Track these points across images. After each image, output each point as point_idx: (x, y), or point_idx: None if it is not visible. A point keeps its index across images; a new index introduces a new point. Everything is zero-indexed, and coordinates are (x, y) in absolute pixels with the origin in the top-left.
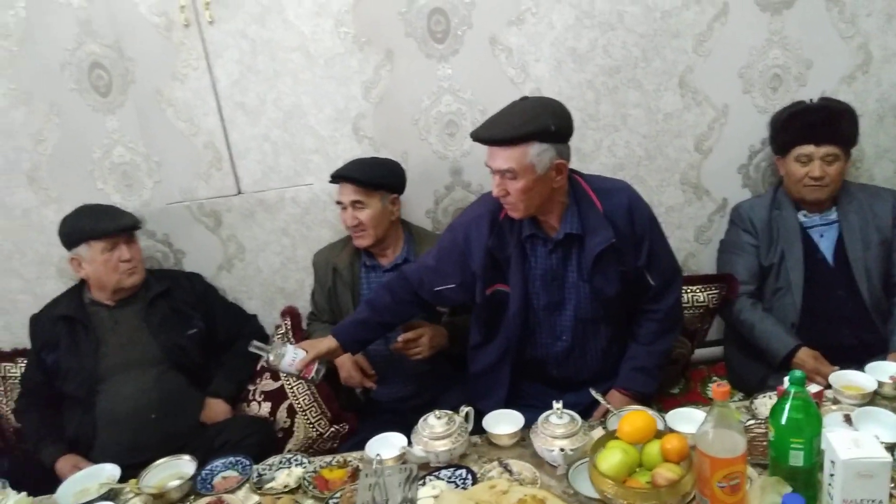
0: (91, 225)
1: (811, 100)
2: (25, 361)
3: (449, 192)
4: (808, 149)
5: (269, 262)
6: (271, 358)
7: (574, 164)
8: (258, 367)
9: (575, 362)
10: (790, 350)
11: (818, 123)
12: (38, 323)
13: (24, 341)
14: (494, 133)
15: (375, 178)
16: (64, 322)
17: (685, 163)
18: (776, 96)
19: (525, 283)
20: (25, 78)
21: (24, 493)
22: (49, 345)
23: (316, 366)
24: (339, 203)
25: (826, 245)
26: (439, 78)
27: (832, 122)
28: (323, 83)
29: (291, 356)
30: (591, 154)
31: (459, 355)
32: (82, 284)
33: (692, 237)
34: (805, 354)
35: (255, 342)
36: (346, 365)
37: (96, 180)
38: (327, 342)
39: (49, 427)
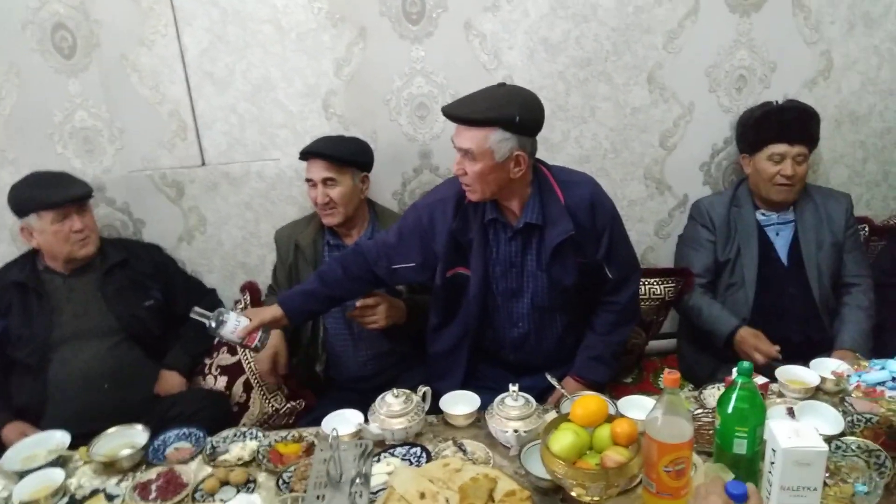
0: (40, 194)
1: (777, 101)
2: None
3: (417, 175)
4: (782, 147)
5: (230, 236)
6: (212, 324)
7: (541, 153)
8: (215, 342)
9: (531, 348)
10: (733, 328)
11: (792, 123)
12: None
13: None
14: (460, 111)
15: (347, 154)
16: (16, 288)
17: (650, 158)
18: (740, 97)
19: (485, 268)
20: None
21: None
22: (0, 311)
23: (259, 334)
24: (308, 181)
25: (781, 244)
26: (412, 59)
27: (804, 123)
28: (294, 57)
29: (234, 323)
30: (558, 144)
31: (419, 336)
32: (36, 251)
33: (652, 231)
34: (745, 332)
35: (197, 308)
36: (263, 357)
37: (56, 144)
38: (272, 310)
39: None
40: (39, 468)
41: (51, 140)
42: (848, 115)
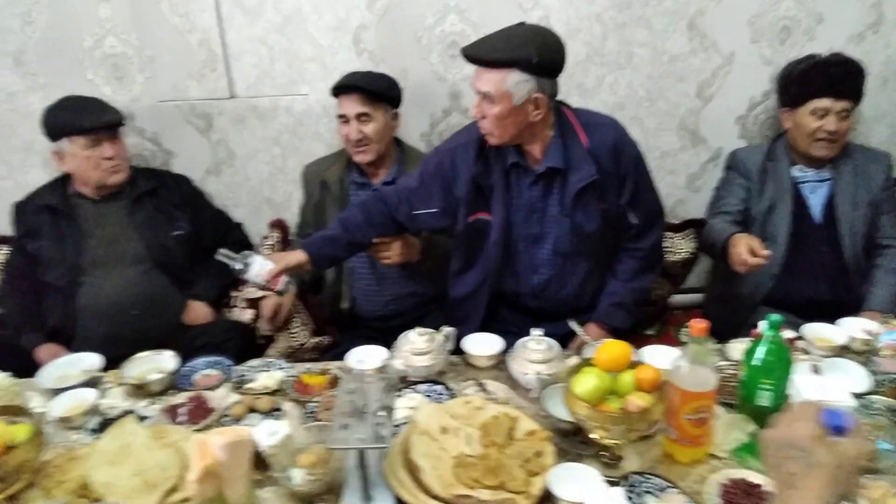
0: (73, 120)
1: (821, 54)
2: (9, 248)
3: (446, 117)
4: (826, 102)
5: (257, 171)
6: (238, 267)
7: (574, 98)
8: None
9: (552, 295)
10: (731, 233)
11: (839, 77)
12: (22, 211)
13: (7, 228)
14: (478, 52)
15: (382, 88)
16: (48, 212)
17: (685, 108)
18: (783, 48)
19: (507, 213)
20: None
21: (7, 374)
22: (31, 233)
23: (284, 278)
24: (341, 117)
25: (815, 201)
26: None
27: (851, 78)
28: None
29: (259, 266)
30: (592, 90)
31: (442, 281)
32: (67, 176)
33: (683, 184)
34: (738, 236)
35: (223, 250)
36: (268, 303)
37: (86, 70)
38: (296, 255)
39: (30, 314)
40: (73, 387)
41: (80, 65)
42: (895, 73)
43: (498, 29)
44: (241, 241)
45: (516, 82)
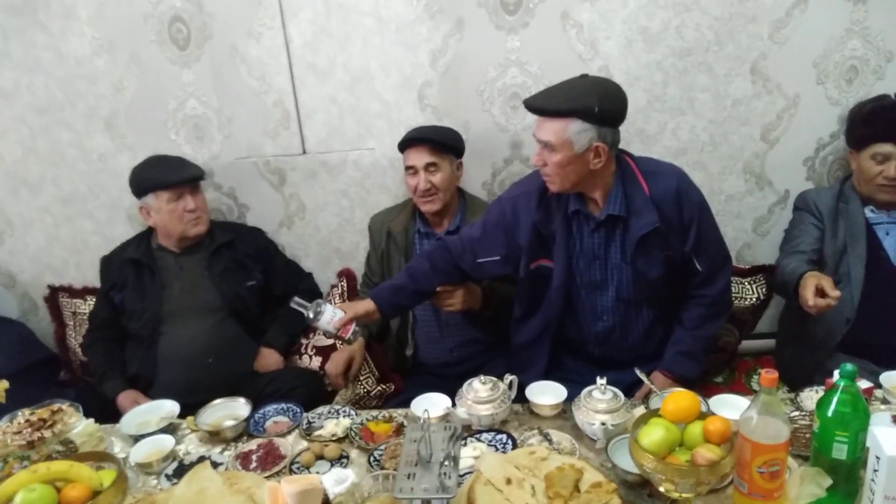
0: (158, 175)
1: (893, 95)
2: (94, 299)
3: (507, 166)
4: (886, 147)
5: (327, 222)
6: (310, 315)
7: (636, 145)
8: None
9: (616, 342)
10: (801, 274)
11: None
12: (109, 264)
13: (94, 280)
14: (540, 103)
15: (448, 140)
16: (132, 265)
17: (750, 151)
18: (851, 89)
19: (569, 260)
20: (110, 28)
21: (91, 420)
22: (117, 285)
23: (353, 327)
24: (409, 168)
25: (890, 243)
26: (507, 50)
27: None
28: (392, 49)
29: (330, 314)
30: (654, 136)
31: (504, 327)
32: (150, 230)
33: (750, 228)
34: (808, 276)
35: (297, 298)
36: (337, 356)
37: (169, 131)
38: (365, 304)
39: (113, 362)
40: (152, 434)
41: (165, 127)
42: None
43: (557, 80)
44: (311, 290)
45: (577, 131)
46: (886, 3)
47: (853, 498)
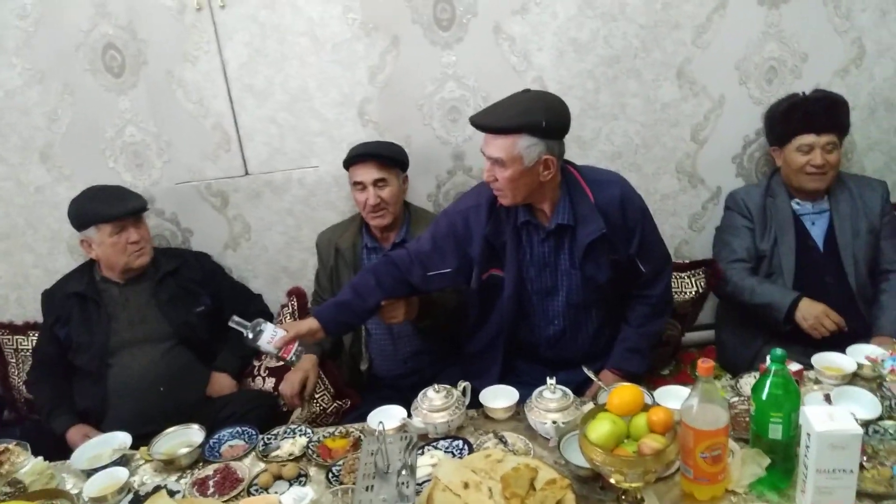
0: (99, 208)
1: (803, 92)
2: (37, 335)
3: (451, 177)
4: (810, 138)
5: (273, 242)
6: (249, 335)
7: (573, 151)
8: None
9: (566, 345)
10: (794, 299)
11: (819, 113)
12: (51, 298)
13: (36, 315)
14: (488, 120)
15: (394, 154)
16: (76, 298)
17: (681, 152)
18: (771, 88)
19: (519, 269)
20: (41, 58)
21: (40, 458)
22: (61, 319)
23: (296, 347)
24: (357, 184)
25: (817, 233)
26: (443, 65)
27: (831, 112)
28: (329, 67)
29: (270, 334)
30: (590, 142)
31: (455, 335)
32: (93, 262)
33: (686, 224)
34: (806, 304)
35: (236, 317)
36: (291, 377)
37: (108, 159)
38: (308, 323)
39: (60, 398)
40: (105, 467)
41: (103, 155)
42: (882, 102)
43: (494, 92)
44: (262, 312)
45: (526, 146)
46: (798, 7)
47: (791, 474)
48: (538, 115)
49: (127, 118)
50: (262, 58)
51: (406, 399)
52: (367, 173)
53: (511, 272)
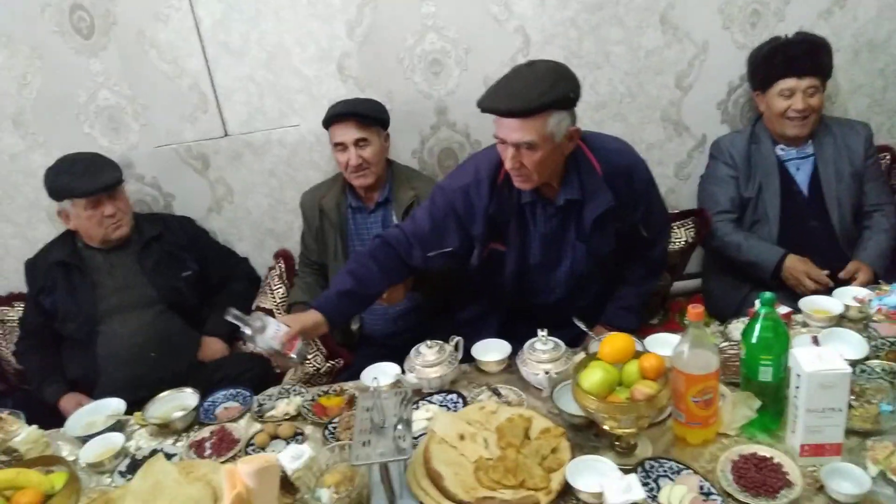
0: (72, 183)
1: (786, 35)
2: (23, 305)
3: (435, 132)
4: (791, 82)
5: (257, 204)
6: (249, 332)
7: None
8: (253, 308)
9: (564, 310)
10: (780, 257)
11: (800, 56)
12: (34, 268)
13: (19, 285)
14: (514, 105)
15: (374, 112)
16: (59, 267)
17: (666, 100)
18: (755, 32)
19: (523, 244)
20: (4, 20)
21: (34, 426)
22: (46, 289)
23: (299, 343)
24: (338, 145)
25: (802, 178)
26: (423, 16)
27: (813, 55)
28: (306, 22)
29: (274, 330)
30: None
31: (444, 292)
32: (75, 231)
33: (672, 173)
34: (792, 261)
35: (234, 311)
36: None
37: (83, 124)
38: (312, 316)
39: (50, 367)
40: (100, 433)
41: (77, 120)
42: (866, 44)
43: (476, 44)
44: (248, 275)
45: (557, 122)
46: None
47: (781, 415)
48: (565, 87)
49: (99, 81)
50: (237, 14)
51: (398, 357)
52: (348, 133)
53: (514, 248)
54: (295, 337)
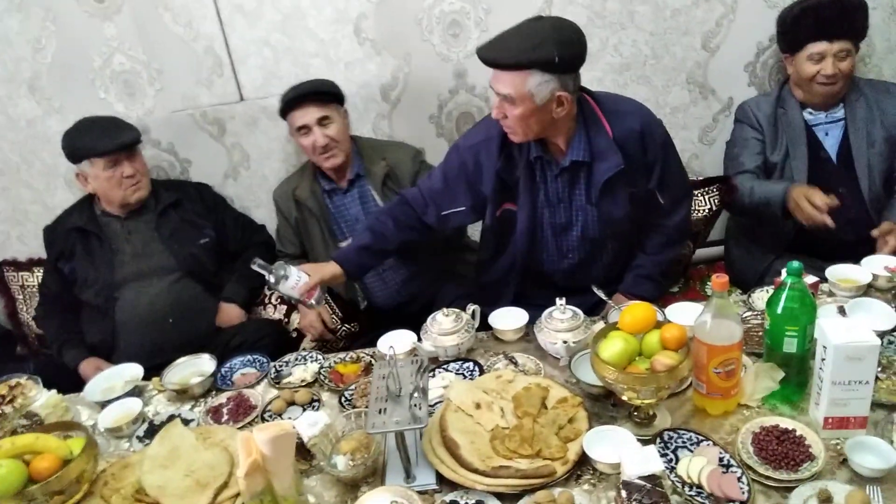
0: (91, 142)
1: None
2: (42, 270)
3: (453, 96)
4: (821, 46)
5: (274, 170)
6: (272, 279)
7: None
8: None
9: (581, 275)
10: (785, 188)
11: (832, 18)
12: (53, 234)
13: (39, 251)
14: (495, 55)
15: (330, 88)
16: (77, 233)
17: (692, 61)
18: None
19: (533, 204)
20: None
21: (53, 391)
22: (65, 255)
23: (318, 291)
24: (301, 129)
25: (831, 143)
26: None
27: (846, 17)
28: None
29: (295, 279)
30: (596, 54)
31: (444, 254)
32: (92, 196)
33: (696, 138)
34: (796, 189)
35: (259, 260)
36: (310, 315)
37: (98, 89)
38: (331, 268)
39: (70, 332)
40: (118, 398)
41: (92, 85)
42: None
43: (497, 2)
44: (266, 243)
45: (538, 83)
46: None
47: (804, 387)
48: (549, 49)
49: (114, 46)
50: None
51: (413, 324)
52: (309, 114)
53: (525, 208)
54: (314, 286)
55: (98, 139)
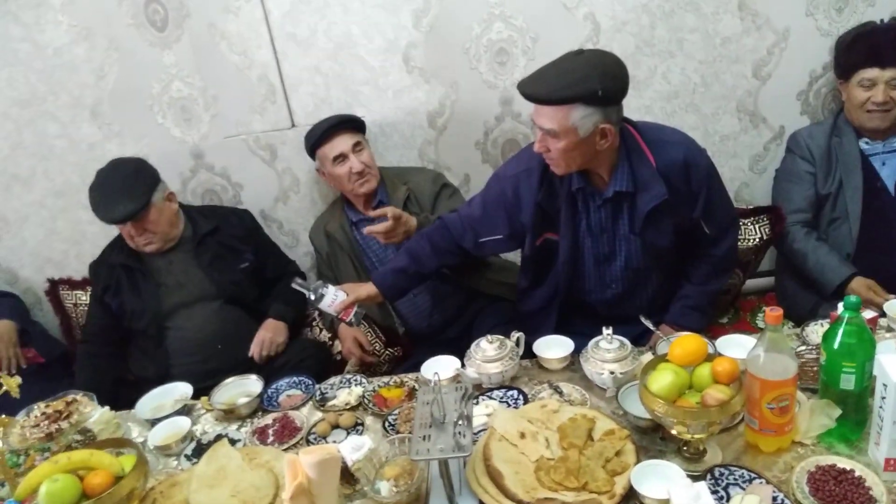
0: (96, 209)
1: (882, 20)
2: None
3: (499, 123)
4: (873, 72)
5: (324, 195)
6: (312, 297)
7: (628, 92)
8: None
9: (625, 305)
10: (844, 279)
11: (885, 45)
12: (98, 269)
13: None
14: (537, 90)
15: (354, 119)
16: (122, 268)
17: (742, 89)
18: (841, 18)
19: (575, 235)
20: (85, 14)
21: (106, 407)
22: (111, 289)
23: (355, 309)
24: (337, 158)
25: (887, 173)
26: (490, 4)
27: None
28: (372, 12)
29: (332, 297)
30: (644, 81)
31: (472, 277)
32: None
33: (747, 166)
34: (858, 284)
35: (298, 279)
36: (347, 340)
37: (156, 115)
38: (367, 288)
39: (99, 382)
40: (168, 416)
41: (151, 111)
42: None
43: (543, 32)
44: (297, 272)
45: (581, 116)
46: None
47: (863, 426)
48: (593, 83)
49: (173, 73)
50: (305, 5)
51: (455, 350)
52: (344, 142)
53: (566, 238)
54: (351, 305)
55: (100, 209)
